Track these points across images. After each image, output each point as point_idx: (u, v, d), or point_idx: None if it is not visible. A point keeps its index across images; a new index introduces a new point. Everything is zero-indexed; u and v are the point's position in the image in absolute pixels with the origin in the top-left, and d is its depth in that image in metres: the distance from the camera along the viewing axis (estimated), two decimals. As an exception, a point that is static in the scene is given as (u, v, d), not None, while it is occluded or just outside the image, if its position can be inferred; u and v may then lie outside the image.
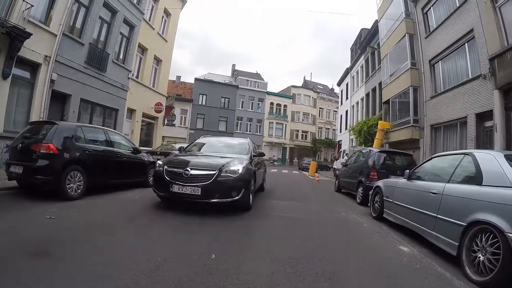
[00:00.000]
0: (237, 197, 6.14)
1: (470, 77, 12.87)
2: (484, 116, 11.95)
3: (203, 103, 48.76)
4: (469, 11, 12.92)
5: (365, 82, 28.97)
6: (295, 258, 3.91)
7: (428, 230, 4.70)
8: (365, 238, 5.50)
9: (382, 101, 21.67)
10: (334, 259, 4.08)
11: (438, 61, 15.65)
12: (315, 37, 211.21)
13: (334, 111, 59.49)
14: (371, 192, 7.79)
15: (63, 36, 12.52)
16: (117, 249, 3.81)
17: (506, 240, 3.14)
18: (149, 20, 19.99)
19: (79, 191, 6.81)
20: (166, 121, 23.39)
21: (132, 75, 18.32)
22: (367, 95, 27.95)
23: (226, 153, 7.51)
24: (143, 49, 19.78)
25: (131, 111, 18.90)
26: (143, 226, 5.19)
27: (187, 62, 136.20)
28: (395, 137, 18.74)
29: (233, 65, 61.10)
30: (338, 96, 47.56)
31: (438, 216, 4.44)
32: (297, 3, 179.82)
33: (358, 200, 10.05)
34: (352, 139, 30.66)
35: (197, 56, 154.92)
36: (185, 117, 47.05)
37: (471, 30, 12.75)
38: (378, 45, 23.60)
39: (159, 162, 6.77)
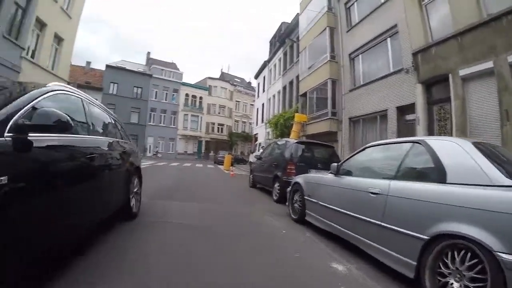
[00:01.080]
0: None
1: (392, 71, 12.66)
2: (405, 110, 11.75)
3: (114, 93, 44.15)
4: (393, 7, 12.72)
5: (282, 75, 28.45)
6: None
7: (370, 242, 3.52)
8: (286, 253, 3.91)
9: (299, 94, 21.14)
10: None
11: (359, 55, 15.38)
12: (238, 31, 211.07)
13: (251, 104, 58.83)
14: (289, 189, 6.51)
15: None
16: None
17: (495, 262, 2.14)
18: (52, -9, 16.55)
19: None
20: (64, 109, 20.11)
21: (26, 54, 15.10)
22: (284, 88, 27.45)
23: None
24: (41, 25, 16.14)
25: (23, 98, 15.58)
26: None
27: (103, 52, 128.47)
28: (312, 130, 18.20)
29: (148, 53, 56.81)
30: (255, 90, 46.99)
31: (383, 224, 3.29)
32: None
33: (274, 197, 8.74)
34: (268, 132, 30.08)
35: (115, 46, 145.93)
36: None
37: (395, 25, 12.59)
38: (298, 38, 23.13)
39: None
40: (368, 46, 14.58)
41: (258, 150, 21.74)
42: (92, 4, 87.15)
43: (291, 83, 25.51)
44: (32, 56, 15.99)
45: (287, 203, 6.53)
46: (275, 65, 32.12)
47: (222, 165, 28.35)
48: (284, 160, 8.85)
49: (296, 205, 5.98)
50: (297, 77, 22.85)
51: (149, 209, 5.79)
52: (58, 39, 18.41)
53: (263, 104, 35.90)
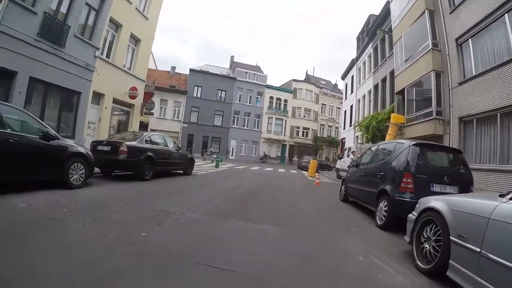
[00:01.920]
0: None
1: (516, 54, 10.09)
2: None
3: (198, 96, 46.10)
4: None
5: (373, 73, 26.10)
6: None
7: None
8: None
9: (395, 92, 18.76)
10: None
11: (468, 39, 12.79)
12: (322, 34, 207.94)
13: (337, 107, 56.50)
14: (412, 215, 4.36)
15: (9, 2, 10.23)
16: None
17: None
18: (125, -8, 17.34)
19: None
20: (144, 110, 20.41)
21: (101, 54, 15.66)
22: (376, 86, 25.08)
23: None
24: (117, 26, 17.01)
25: (98, 96, 16.17)
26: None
27: (191, 59, 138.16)
28: (411, 133, 15.69)
29: (232, 57, 58.12)
30: (342, 92, 44.83)
31: None
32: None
33: (378, 222, 6.45)
34: (357, 136, 27.95)
35: (201, 53, 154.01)
36: (178, 110, 44.68)
37: (514, -4, 10.03)
38: (390, 29, 20.80)
39: None
40: (480, 27, 11.97)
41: (347, 156, 19.78)
42: (183, 14, 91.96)
43: (383, 80, 23.13)
44: (108, 56, 16.81)
45: (406, 238, 4.37)
46: (364, 63, 29.82)
47: (306, 170, 26.88)
48: (396, 169, 6.44)
49: (427, 246, 3.76)
50: (391, 73, 20.61)
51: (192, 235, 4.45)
52: (135, 40, 19.15)
53: (351, 106, 33.65)
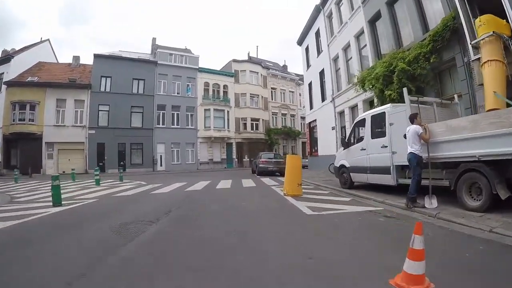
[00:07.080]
0: None
1: None
2: None
3: (107, 89, 33.85)
4: None
5: (362, 3, 16.57)
6: None
7: None
8: None
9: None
10: None
11: None
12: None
13: (290, 91, 47.34)
14: None
15: None
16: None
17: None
18: None
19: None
20: None
21: None
22: (373, 21, 15.72)
23: None
24: None
25: None
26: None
27: None
28: None
29: (154, 39, 44.80)
30: (292, 73, 35.51)
31: None
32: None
33: None
34: (339, 112, 18.67)
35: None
36: (81, 112, 32.08)
37: None
38: None
39: None
40: None
41: (356, 139, 9.90)
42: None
43: (391, 3, 13.77)
44: None
45: None
46: (338, 2, 20.50)
47: (269, 177, 16.70)
48: None
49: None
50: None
51: None
52: None
53: (320, 73, 24.22)
